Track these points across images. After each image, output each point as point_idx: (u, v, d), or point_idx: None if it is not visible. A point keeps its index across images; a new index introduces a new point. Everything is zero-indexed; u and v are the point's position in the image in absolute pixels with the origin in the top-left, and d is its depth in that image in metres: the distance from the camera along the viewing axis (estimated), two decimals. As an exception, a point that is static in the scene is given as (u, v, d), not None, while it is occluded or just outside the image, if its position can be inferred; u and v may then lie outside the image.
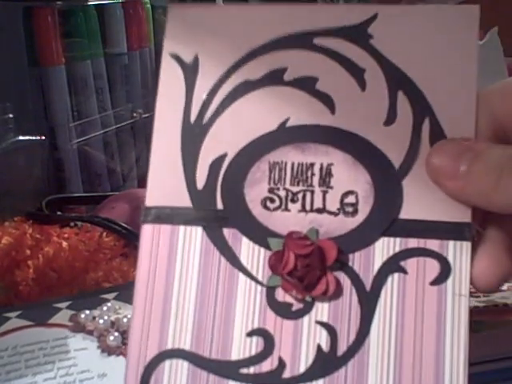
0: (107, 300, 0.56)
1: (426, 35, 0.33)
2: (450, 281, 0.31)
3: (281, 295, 0.32)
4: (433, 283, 0.31)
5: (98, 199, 0.85)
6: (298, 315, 0.32)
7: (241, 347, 0.32)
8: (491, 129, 0.32)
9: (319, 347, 0.31)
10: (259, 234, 0.32)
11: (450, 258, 0.31)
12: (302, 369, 0.31)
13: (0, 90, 0.86)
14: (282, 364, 0.31)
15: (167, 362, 0.32)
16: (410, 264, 0.31)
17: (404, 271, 0.31)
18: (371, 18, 0.33)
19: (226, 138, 0.33)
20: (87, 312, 0.53)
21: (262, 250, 0.32)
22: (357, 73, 0.33)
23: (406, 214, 0.32)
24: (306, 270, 0.31)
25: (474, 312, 0.45)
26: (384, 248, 0.32)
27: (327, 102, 0.33)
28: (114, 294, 0.57)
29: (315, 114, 0.33)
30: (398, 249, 0.31)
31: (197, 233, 0.33)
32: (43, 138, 0.84)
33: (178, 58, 0.34)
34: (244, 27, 0.34)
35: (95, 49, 0.98)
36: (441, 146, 0.32)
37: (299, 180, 0.33)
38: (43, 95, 0.91)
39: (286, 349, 0.31)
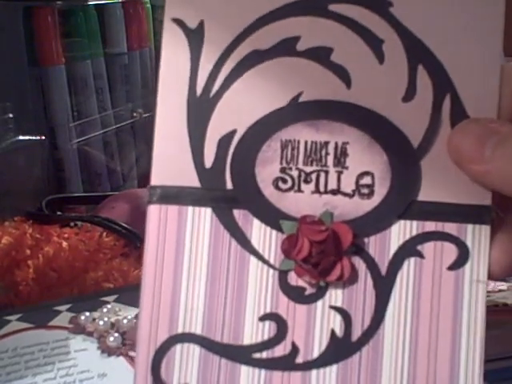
0: (107, 302, 0.55)
1: (449, 5, 0.31)
2: (467, 266, 0.30)
3: (294, 279, 0.31)
4: (450, 268, 0.30)
5: (98, 199, 0.85)
6: (312, 300, 0.31)
7: (253, 332, 0.31)
8: None
9: (333, 332, 0.31)
10: (271, 216, 0.31)
11: (469, 243, 0.30)
12: (316, 354, 0.30)
13: (0, 89, 0.86)
14: (295, 349, 0.31)
15: (178, 346, 0.31)
16: (427, 248, 0.30)
17: (421, 255, 0.30)
18: None
19: (234, 114, 0.32)
20: (87, 314, 0.53)
21: (274, 232, 0.31)
22: (375, 44, 0.31)
23: (423, 196, 0.31)
24: (321, 257, 0.30)
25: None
26: (400, 231, 0.31)
27: (342, 75, 0.31)
28: (114, 297, 0.56)
29: (330, 89, 0.31)
30: (414, 232, 0.31)
31: (206, 214, 0.31)
32: (43, 137, 0.84)
33: (181, 24, 0.32)
34: None
35: (95, 49, 0.97)
36: (465, 126, 0.30)
37: (313, 159, 0.31)
38: (43, 95, 0.90)
39: (299, 333, 0.31)
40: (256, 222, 0.31)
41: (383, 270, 0.30)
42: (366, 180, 0.31)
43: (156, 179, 0.32)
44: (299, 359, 0.30)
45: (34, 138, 0.83)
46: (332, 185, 0.31)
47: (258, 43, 0.32)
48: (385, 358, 0.30)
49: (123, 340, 0.51)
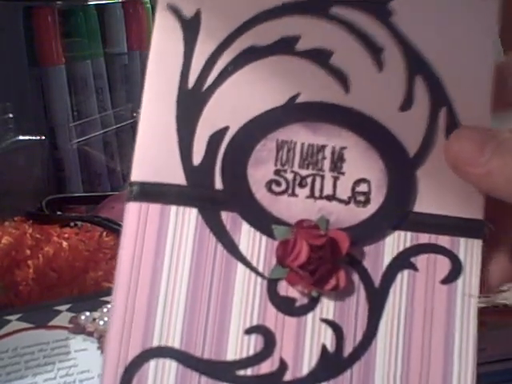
0: (107, 302, 0.55)
1: (448, 19, 0.31)
2: (460, 280, 0.30)
3: (283, 289, 0.29)
4: (443, 282, 0.30)
5: (98, 199, 0.84)
6: (302, 312, 0.29)
7: (238, 346, 0.28)
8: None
9: (324, 347, 0.29)
10: (262, 220, 0.29)
11: (461, 256, 0.30)
12: (305, 371, 0.28)
13: (0, 90, 0.85)
14: (283, 365, 0.28)
15: (152, 362, 0.28)
16: (421, 261, 0.30)
17: (414, 268, 0.29)
18: None
19: (228, 110, 0.30)
20: (87, 314, 0.53)
21: (264, 237, 0.29)
22: (375, 51, 0.31)
23: (418, 206, 0.30)
24: (319, 263, 0.28)
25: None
26: (395, 242, 0.30)
27: (341, 79, 0.30)
28: None
29: (328, 91, 0.30)
30: (408, 244, 0.30)
31: (191, 214, 0.29)
32: (43, 137, 0.83)
33: (176, 12, 0.30)
34: None
35: (95, 49, 0.97)
36: (462, 131, 0.30)
37: (309, 163, 0.30)
38: (43, 95, 0.90)
39: (288, 348, 0.29)
40: (245, 226, 0.29)
41: (376, 281, 0.29)
42: (363, 187, 0.30)
43: (137, 174, 0.29)
44: (287, 376, 0.28)
45: (33, 137, 0.82)
46: (328, 190, 0.30)
47: (256, 39, 0.30)
48: (376, 375, 0.29)
49: (123, 340, 0.50)
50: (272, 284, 0.29)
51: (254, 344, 0.29)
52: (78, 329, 0.52)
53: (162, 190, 0.29)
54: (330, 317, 0.29)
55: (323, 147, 0.30)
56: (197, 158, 0.30)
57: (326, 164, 0.30)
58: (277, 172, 0.30)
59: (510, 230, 0.31)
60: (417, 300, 0.29)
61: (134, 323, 0.28)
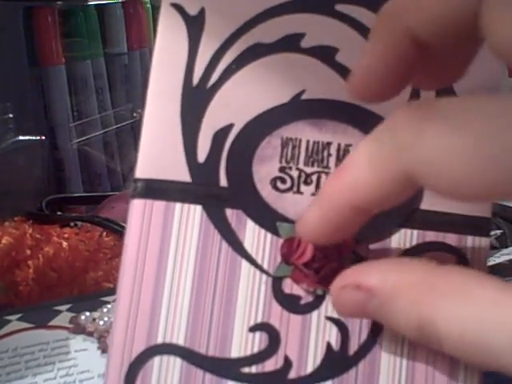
0: (107, 302, 0.55)
1: None
2: None
3: (288, 287, 0.29)
4: None
5: (98, 199, 0.84)
6: (307, 309, 0.29)
7: (242, 343, 0.28)
8: None
9: (329, 345, 0.28)
10: (267, 218, 0.29)
11: (468, 254, 0.29)
12: (310, 369, 0.28)
13: (0, 89, 0.85)
14: (287, 363, 0.28)
15: (157, 359, 0.28)
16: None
17: None
18: None
19: (232, 107, 0.30)
20: (87, 314, 0.53)
21: (269, 235, 0.29)
22: None
23: (425, 204, 0.30)
24: (324, 262, 0.28)
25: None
26: (401, 240, 0.29)
27: (347, 75, 0.29)
28: (114, 297, 0.56)
29: (333, 89, 0.30)
30: (415, 242, 0.29)
31: (195, 211, 0.29)
32: (43, 138, 0.83)
33: (180, 9, 0.30)
34: None
35: (95, 49, 0.97)
36: None
37: (314, 160, 0.30)
38: (43, 95, 0.90)
39: (293, 346, 0.28)
40: (250, 224, 0.29)
41: (382, 279, 0.29)
42: None
43: (142, 171, 0.30)
44: (292, 374, 0.28)
45: (33, 137, 0.82)
46: None
47: (261, 36, 0.30)
48: (382, 373, 0.28)
49: (123, 340, 0.50)
50: (277, 281, 0.29)
51: (258, 341, 0.28)
52: (78, 329, 0.52)
53: (167, 187, 0.29)
54: (335, 315, 0.29)
55: (328, 144, 0.30)
56: (201, 155, 0.30)
57: (332, 161, 0.30)
58: (282, 169, 0.30)
59: None
60: None
61: (138, 320, 0.28)
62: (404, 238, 0.29)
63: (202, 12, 0.30)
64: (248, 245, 0.29)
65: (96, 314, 0.53)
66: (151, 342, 0.28)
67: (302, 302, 0.29)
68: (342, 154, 0.30)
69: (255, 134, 0.30)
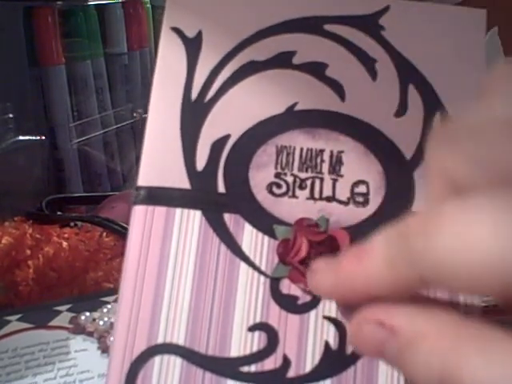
0: (107, 302, 0.55)
1: (435, 33, 0.33)
2: None
3: (286, 287, 0.29)
4: None
5: (98, 199, 0.84)
6: (305, 309, 0.29)
7: (241, 343, 0.29)
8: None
9: (327, 344, 0.29)
10: (263, 221, 0.30)
11: None
12: (308, 367, 0.29)
13: (0, 89, 0.86)
14: (286, 362, 0.29)
15: (157, 358, 0.29)
16: None
17: None
18: (383, 10, 0.33)
19: (229, 119, 0.31)
20: (87, 314, 0.53)
21: (266, 237, 0.30)
22: (368, 62, 0.32)
23: (416, 206, 0.31)
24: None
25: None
26: None
27: (337, 88, 0.32)
28: (114, 297, 0.55)
29: (325, 100, 0.32)
30: None
31: (195, 216, 0.30)
32: (43, 137, 0.84)
33: (179, 32, 0.32)
34: (253, 6, 0.33)
35: (95, 49, 0.98)
36: None
37: (308, 166, 0.31)
38: (43, 95, 0.90)
39: (291, 345, 0.29)
40: (247, 227, 0.30)
41: (378, 279, 0.30)
42: (361, 189, 0.31)
43: (144, 179, 0.31)
44: (291, 373, 0.29)
45: (33, 137, 0.82)
46: (327, 192, 0.31)
47: (255, 54, 0.32)
48: (380, 371, 0.29)
49: (123, 340, 0.50)
50: (274, 282, 0.30)
51: (257, 341, 0.29)
52: (78, 329, 0.51)
53: (168, 193, 0.30)
54: (333, 314, 0.29)
55: (321, 151, 0.31)
56: (200, 163, 0.31)
57: (325, 167, 0.31)
58: (277, 175, 0.31)
59: None
60: None
61: (139, 320, 0.29)
62: None
63: (199, 34, 0.32)
64: (246, 247, 0.30)
65: (96, 314, 0.53)
66: (152, 341, 0.29)
67: (300, 301, 0.29)
68: (335, 160, 0.31)
69: (251, 143, 0.31)
